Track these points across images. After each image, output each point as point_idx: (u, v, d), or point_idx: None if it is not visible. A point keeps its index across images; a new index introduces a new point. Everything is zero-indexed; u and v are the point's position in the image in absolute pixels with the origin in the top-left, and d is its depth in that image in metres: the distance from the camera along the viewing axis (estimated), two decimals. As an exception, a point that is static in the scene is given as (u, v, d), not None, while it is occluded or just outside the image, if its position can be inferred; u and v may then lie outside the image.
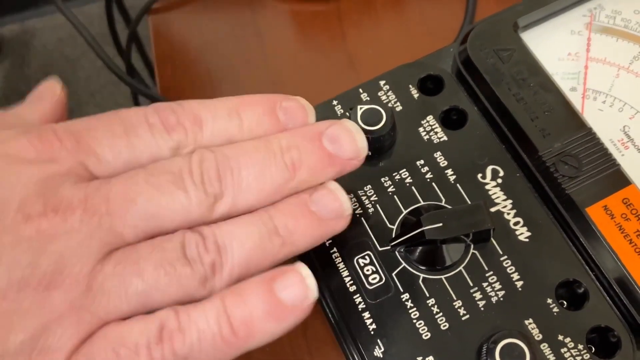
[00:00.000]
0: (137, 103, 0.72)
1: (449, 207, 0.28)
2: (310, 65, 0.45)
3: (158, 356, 0.22)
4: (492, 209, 0.28)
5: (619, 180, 0.27)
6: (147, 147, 0.25)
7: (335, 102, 0.31)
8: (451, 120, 0.30)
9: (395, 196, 0.28)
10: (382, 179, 0.29)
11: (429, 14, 0.46)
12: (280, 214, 0.24)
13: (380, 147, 0.29)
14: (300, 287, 0.23)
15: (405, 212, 0.28)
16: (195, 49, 0.47)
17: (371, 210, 0.28)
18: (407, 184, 0.29)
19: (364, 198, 0.29)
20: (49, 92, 0.29)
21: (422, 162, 0.29)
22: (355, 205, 0.29)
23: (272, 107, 0.26)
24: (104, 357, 0.22)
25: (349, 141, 0.25)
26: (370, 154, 0.29)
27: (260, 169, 0.24)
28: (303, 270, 0.24)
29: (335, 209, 0.25)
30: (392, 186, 0.29)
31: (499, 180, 0.28)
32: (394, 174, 0.29)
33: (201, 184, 0.24)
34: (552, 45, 0.31)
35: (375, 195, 0.29)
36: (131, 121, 0.25)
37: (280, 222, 0.24)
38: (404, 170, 0.29)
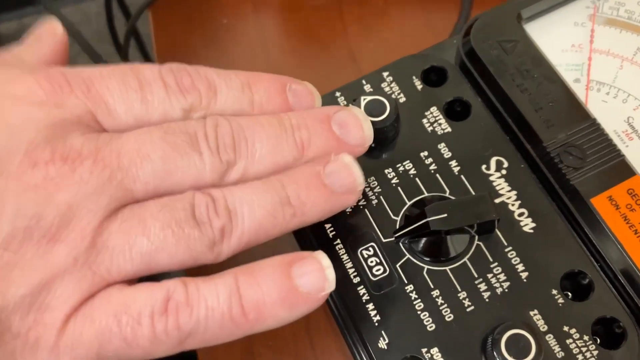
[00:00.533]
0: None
1: (453, 198, 0.28)
2: (311, 59, 0.45)
3: (161, 328, 0.21)
4: (497, 200, 0.28)
5: (624, 170, 0.27)
6: (160, 105, 0.24)
7: (338, 94, 0.31)
8: (455, 111, 0.30)
9: (399, 187, 0.28)
10: (386, 171, 0.29)
11: (430, 7, 0.45)
12: (293, 184, 0.24)
13: (384, 138, 0.29)
14: (319, 276, 0.23)
15: (409, 203, 0.28)
16: (197, 43, 0.46)
17: (375, 201, 0.28)
18: (411, 175, 0.29)
19: (367, 189, 0.28)
20: (49, 33, 0.28)
21: (426, 153, 0.29)
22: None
23: (282, 87, 0.26)
24: (105, 321, 0.21)
25: (357, 127, 0.25)
26: (373, 145, 0.29)
27: (273, 143, 0.24)
28: (324, 260, 0.23)
29: (348, 183, 0.25)
30: (396, 177, 0.29)
31: (503, 172, 0.28)
32: (397, 166, 0.29)
33: (216, 149, 0.23)
34: (555, 37, 0.31)
35: (378, 187, 0.28)
36: (145, 76, 0.24)
37: (293, 191, 0.24)
38: (408, 161, 0.29)
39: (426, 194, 0.28)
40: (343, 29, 0.45)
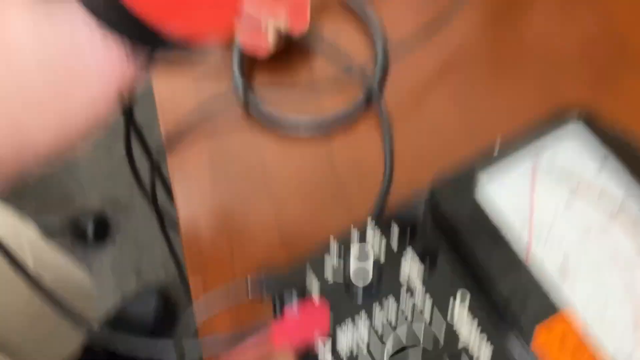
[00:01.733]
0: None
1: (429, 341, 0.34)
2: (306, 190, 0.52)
3: None
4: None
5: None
6: None
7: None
8: (426, 258, 0.37)
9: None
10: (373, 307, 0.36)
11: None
12: None
13: (369, 286, 0.36)
14: None
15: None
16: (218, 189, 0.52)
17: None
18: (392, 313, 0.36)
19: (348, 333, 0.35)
20: None
21: (404, 292, 0.36)
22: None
23: None
24: None
25: None
26: (361, 287, 0.36)
27: None
28: None
29: None
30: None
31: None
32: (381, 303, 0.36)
33: None
34: (505, 195, 0.38)
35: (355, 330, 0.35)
36: None
37: None
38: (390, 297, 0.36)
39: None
40: (331, 165, 0.52)
